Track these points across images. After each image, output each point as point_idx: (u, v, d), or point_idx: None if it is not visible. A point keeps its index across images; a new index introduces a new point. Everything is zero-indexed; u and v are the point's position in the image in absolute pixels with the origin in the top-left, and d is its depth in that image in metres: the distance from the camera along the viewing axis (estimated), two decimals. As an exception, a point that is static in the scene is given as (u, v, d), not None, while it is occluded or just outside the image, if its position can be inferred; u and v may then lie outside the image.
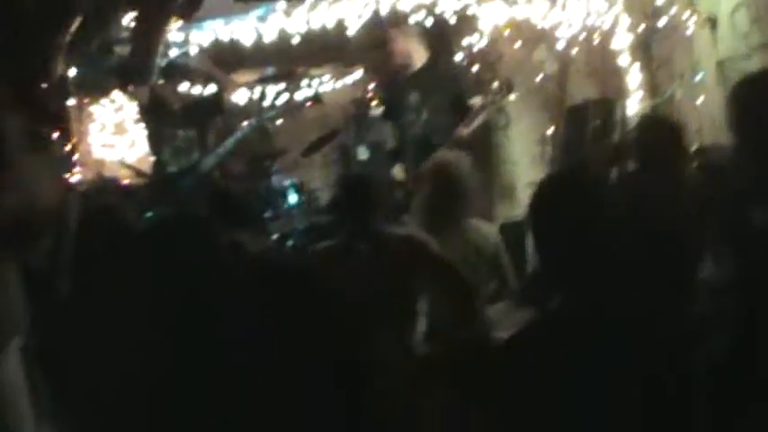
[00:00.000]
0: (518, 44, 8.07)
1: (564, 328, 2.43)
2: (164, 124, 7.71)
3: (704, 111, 6.49)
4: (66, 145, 6.41)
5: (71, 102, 7.55)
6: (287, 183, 9.48)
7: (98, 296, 3.29)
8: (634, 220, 2.93)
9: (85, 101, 8.45)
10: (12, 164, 3.73)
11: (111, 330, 2.93)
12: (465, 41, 8.08)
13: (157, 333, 2.53)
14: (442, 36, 8.17)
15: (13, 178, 3.77)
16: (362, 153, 9.72)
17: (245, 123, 8.65)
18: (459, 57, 8.07)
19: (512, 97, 7.38)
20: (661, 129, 4.78)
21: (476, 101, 7.04)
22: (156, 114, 7.70)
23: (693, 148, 6.28)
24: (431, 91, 7.10)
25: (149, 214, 6.89)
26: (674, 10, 6.65)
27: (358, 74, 10.73)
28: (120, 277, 3.07)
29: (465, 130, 6.95)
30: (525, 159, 8.38)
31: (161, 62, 6.75)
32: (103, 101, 8.75)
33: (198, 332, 2.52)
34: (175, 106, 7.68)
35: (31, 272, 4.46)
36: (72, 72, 6.22)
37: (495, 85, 7.43)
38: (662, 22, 6.79)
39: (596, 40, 7.46)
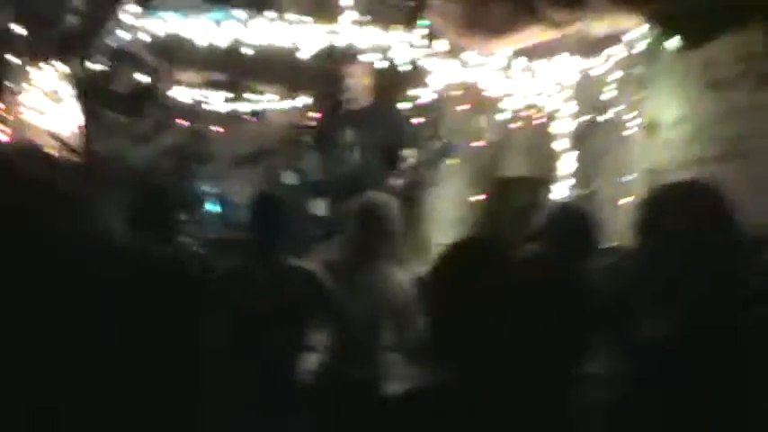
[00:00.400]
0: (463, 107, 8.15)
1: (448, 397, 2.39)
2: (99, 105, 7.60)
3: (625, 213, 6.58)
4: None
5: (12, 60, 7.43)
6: (210, 191, 9.44)
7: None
8: (526, 301, 2.92)
9: (26, 61, 8.31)
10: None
11: None
12: (413, 92, 8.13)
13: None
14: (391, 81, 8.22)
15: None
16: (290, 177, 9.71)
17: (183, 123, 8.61)
18: (403, 105, 8.11)
19: (450, 161, 7.43)
20: (571, 218, 4.84)
21: (409, 152, 7.08)
22: (93, 93, 7.59)
23: (606, 245, 6.38)
24: (369, 132, 7.12)
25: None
26: (619, 108, 6.77)
27: (303, 100, 10.73)
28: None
29: (399, 181, 7.00)
30: (447, 220, 8.42)
31: (108, 42, 6.67)
32: (44, 66, 8.62)
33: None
34: (113, 89, 7.57)
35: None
36: (18, 29, 6.09)
37: (438, 144, 7.51)
38: (604, 117, 6.91)
39: (539, 119, 7.57)
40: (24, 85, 8.87)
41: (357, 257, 4.79)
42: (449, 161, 7.43)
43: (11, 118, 8.54)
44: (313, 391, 4.48)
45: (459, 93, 7.95)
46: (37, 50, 7.51)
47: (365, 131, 7.15)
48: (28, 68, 8.72)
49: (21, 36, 6.17)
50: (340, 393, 4.54)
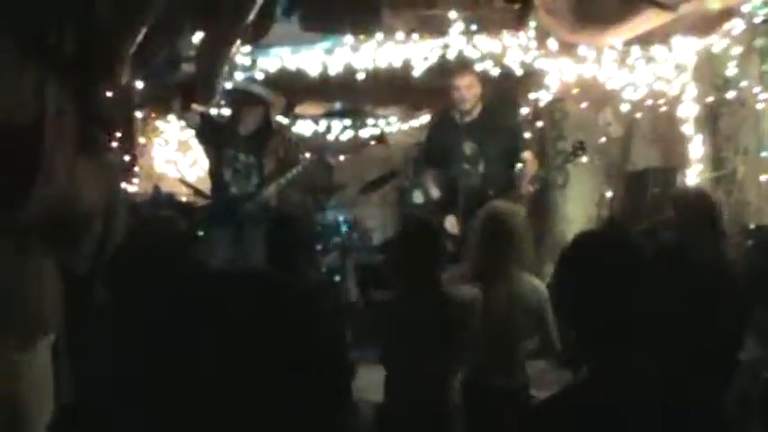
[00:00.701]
0: (584, 104, 8.01)
1: (591, 399, 2.29)
2: (223, 147, 7.77)
3: (766, 188, 6.37)
4: (126, 155, 6.50)
5: (138, 114, 7.68)
6: (341, 218, 9.53)
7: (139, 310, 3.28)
8: (674, 292, 2.82)
9: (152, 115, 8.57)
10: (56, 158, 3.78)
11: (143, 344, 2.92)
12: (531, 95, 8.04)
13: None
14: (506, 87, 8.15)
15: (57, 172, 3.81)
16: (418, 197, 9.72)
17: (307, 155, 8.71)
18: (523, 110, 8.04)
19: (583, 159, 7.32)
20: (699, 204, 4.73)
21: (527, 155, 7.01)
22: (214, 136, 7.77)
23: (751, 226, 6.18)
24: (488, 141, 7.05)
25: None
26: (744, 83, 6.56)
27: (424, 117, 10.74)
28: (165, 295, 3.06)
29: (529, 188, 6.92)
30: (580, 220, 8.28)
31: (226, 85, 6.82)
32: (170, 117, 8.88)
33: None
34: (236, 130, 7.73)
35: (70, 274, 4.50)
36: (139, 85, 6.29)
37: (569, 145, 7.42)
38: (730, 95, 6.69)
39: (663, 106, 7.38)
40: (153, 137, 9.17)
41: (488, 268, 4.75)
42: (577, 160, 7.28)
43: (144, 171, 8.83)
44: (466, 404, 4.45)
45: (578, 90, 7.83)
46: (159, 102, 7.75)
47: (485, 141, 7.07)
48: (155, 121, 9.03)
49: (143, 91, 6.35)
50: (490, 404, 4.52)
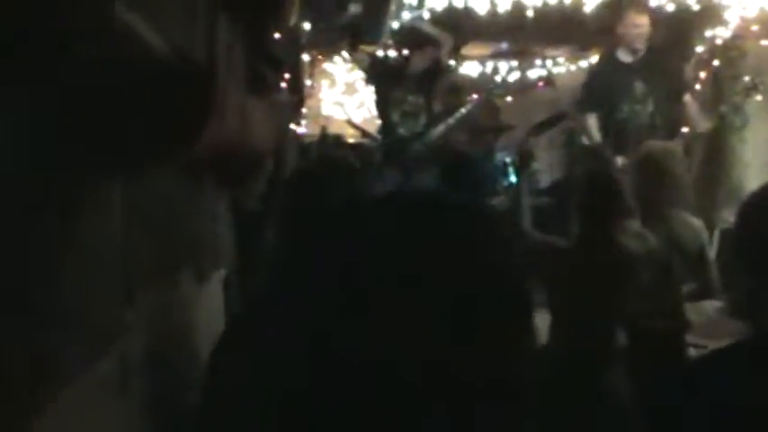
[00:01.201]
0: (765, 42, 7.63)
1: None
2: (392, 88, 7.77)
3: None
4: (294, 96, 6.59)
5: (305, 56, 7.76)
6: (508, 160, 9.43)
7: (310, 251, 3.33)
8: None
9: (319, 57, 8.67)
10: (228, 97, 3.84)
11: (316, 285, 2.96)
12: (707, 32, 7.72)
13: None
14: (682, 23, 7.85)
15: (229, 111, 3.88)
16: (586, 139, 9.53)
17: (474, 97, 8.63)
18: (699, 49, 7.72)
19: (757, 98, 7.02)
20: None
21: (687, 98, 6.77)
22: (383, 77, 7.77)
23: None
24: (655, 80, 6.82)
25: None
26: None
27: (594, 58, 10.48)
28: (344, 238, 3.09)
29: (705, 125, 6.70)
30: (759, 164, 7.94)
31: (393, 24, 6.80)
32: (336, 59, 8.97)
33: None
34: (404, 71, 7.71)
35: (241, 212, 4.61)
36: (306, 26, 6.34)
37: (742, 84, 7.13)
38: None
39: None
40: (321, 79, 9.29)
41: (646, 208, 4.63)
42: (756, 102, 6.98)
43: (311, 112, 8.97)
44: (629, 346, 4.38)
45: (759, 26, 7.46)
46: (326, 44, 7.82)
47: (652, 81, 6.84)
48: (322, 63, 9.13)
49: (310, 32, 6.40)
50: (651, 346, 4.41)
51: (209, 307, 3.72)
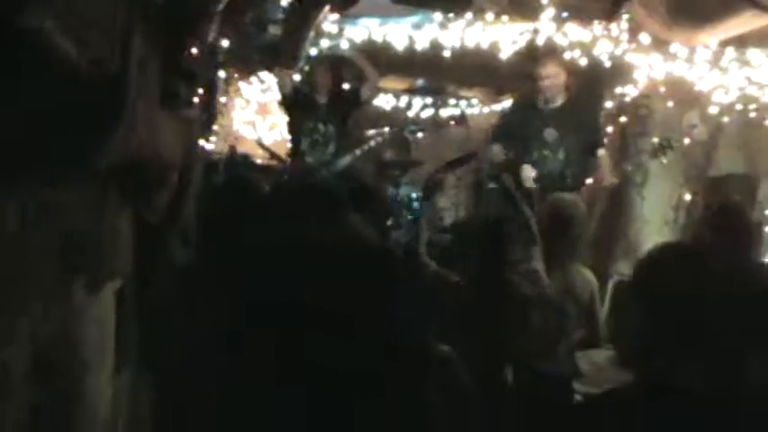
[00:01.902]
0: (671, 103, 7.86)
1: (661, 398, 2.29)
2: (304, 115, 7.78)
3: None
4: (206, 112, 6.53)
5: (220, 74, 7.71)
6: (414, 195, 9.49)
7: (212, 265, 3.29)
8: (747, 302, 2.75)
9: (234, 75, 8.62)
10: (139, 109, 3.80)
11: (215, 300, 2.95)
12: (617, 89, 7.91)
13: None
14: (593, 78, 8.03)
15: (139, 123, 3.84)
16: (492, 182, 9.66)
17: (386, 130, 8.70)
18: (608, 104, 7.90)
19: (663, 160, 7.20)
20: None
21: (602, 153, 6.89)
22: (298, 103, 7.78)
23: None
24: (570, 131, 6.94)
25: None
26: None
27: (507, 102, 10.65)
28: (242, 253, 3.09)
29: (614, 180, 6.83)
30: (656, 221, 8.15)
31: (311, 50, 6.81)
32: (252, 79, 8.93)
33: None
34: (318, 97, 7.73)
35: (143, 225, 4.54)
36: (224, 44, 6.31)
37: (655, 142, 7.31)
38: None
39: (753, 112, 7.21)
40: (235, 98, 9.24)
41: (547, 257, 4.74)
42: (658, 160, 7.15)
43: (222, 130, 8.91)
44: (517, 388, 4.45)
45: (666, 87, 7.68)
46: (243, 63, 7.78)
47: (567, 131, 6.97)
48: (237, 82, 9.08)
49: (228, 50, 6.37)
50: (539, 389, 4.49)
51: (101, 317, 3.65)
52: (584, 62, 7.24)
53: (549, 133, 6.99)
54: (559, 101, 7.04)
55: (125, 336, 3.73)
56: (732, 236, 4.40)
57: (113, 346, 3.56)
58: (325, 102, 7.76)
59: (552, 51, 7.08)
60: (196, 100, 5.43)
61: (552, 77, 6.96)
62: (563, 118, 7.00)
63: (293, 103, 7.81)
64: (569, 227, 4.87)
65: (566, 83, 7.02)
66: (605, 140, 7.27)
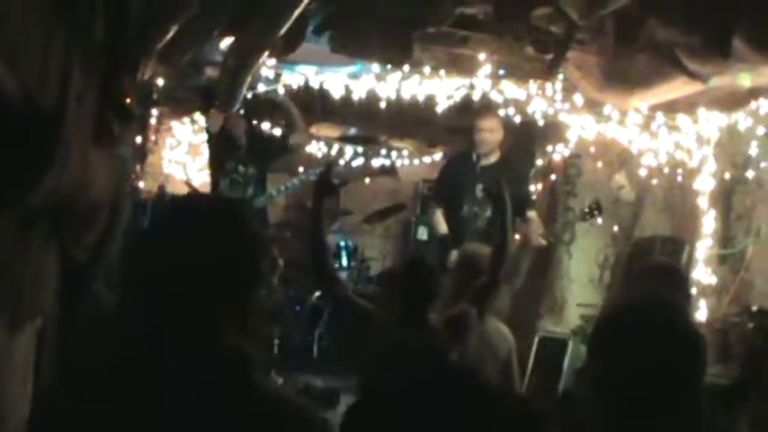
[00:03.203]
0: (600, 163, 7.99)
1: None
2: (227, 153, 7.75)
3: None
4: (137, 149, 6.45)
5: (153, 111, 7.64)
6: (342, 244, 9.48)
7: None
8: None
9: (168, 114, 8.56)
10: (67, 144, 3.72)
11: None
12: (549, 147, 8.02)
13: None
14: (526, 136, 8.14)
15: (65, 158, 3.76)
16: (422, 233, 9.69)
17: (308, 171, 8.68)
18: (539, 161, 7.99)
19: (599, 220, 7.28)
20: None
21: (533, 214, 6.93)
22: (221, 141, 7.73)
23: (754, 308, 6.14)
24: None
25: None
26: (764, 164, 6.53)
27: (438, 155, 10.73)
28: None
29: (541, 240, 6.84)
30: (582, 279, 8.24)
31: (246, 94, 6.77)
32: (185, 119, 8.87)
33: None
34: (242, 141, 7.71)
35: (69, 262, 4.43)
36: (160, 82, 6.25)
37: (579, 202, 7.41)
38: (749, 174, 6.67)
39: (679, 176, 7.35)
40: (166, 137, 9.16)
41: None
42: (586, 221, 7.22)
43: (152, 169, 8.81)
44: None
45: (597, 148, 7.81)
46: (178, 103, 7.72)
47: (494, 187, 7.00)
48: (170, 121, 9.01)
49: (163, 89, 6.31)
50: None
51: (21, 355, 3.55)
52: (518, 120, 7.32)
53: (480, 189, 7.02)
54: (493, 158, 7.09)
55: (44, 373, 3.63)
56: None
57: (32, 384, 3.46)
58: (245, 144, 7.75)
59: (492, 106, 7.15)
60: (128, 138, 5.36)
61: (490, 131, 7.02)
62: (494, 175, 7.03)
63: (218, 142, 7.77)
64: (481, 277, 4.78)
65: (501, 140, 7.09)
66: (534, 199, 7.34)
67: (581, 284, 8.16)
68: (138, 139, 6.43)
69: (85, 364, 2.35)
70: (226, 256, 2.12)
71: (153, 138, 8.30)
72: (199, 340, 2.05)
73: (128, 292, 3.03)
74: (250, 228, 2.21)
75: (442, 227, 7.24)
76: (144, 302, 2.22)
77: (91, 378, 2.10)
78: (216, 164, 7.84)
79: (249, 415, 1.95)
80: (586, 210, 6.94)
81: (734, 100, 6.42)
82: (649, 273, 4.94)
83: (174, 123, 9.02)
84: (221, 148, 7.74)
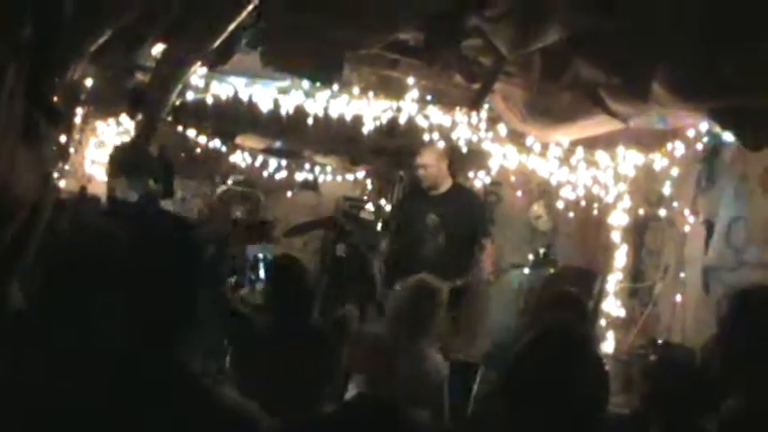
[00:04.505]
0: (519, 192, 8.14)
1: None
2: (142, 165, 7.67)
3: (679, 308, 6.52)
4: (60, 148, 6.36)
5: (78, 110, 7.55)
6: (261, 256, 9.45)
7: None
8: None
9: (93, 113, 8.47)
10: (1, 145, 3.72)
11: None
12: (470, 173, 8.14)
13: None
14: (458, 163, 8.24)
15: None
16: (340, 250, 9.72)
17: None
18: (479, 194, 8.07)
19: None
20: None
21: (488, 244, 7.01)
22: (138, 153, 7.65)
23: (659, 341, 6.31)
24: (452, 218, 7.02)
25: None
26: (675, 205, 6.74)
27: (360, 173, 10.80)
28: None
29: (491, 277, 6.93)
30: (497, 305, 8.35)
31: (175, 101, 6.75)
32: (110, 121, 8.78)
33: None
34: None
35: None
36: (88, 82, 6.21)
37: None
38: (662, 212, 6.88)
39: (595, 210, 7.54)
40: (90, 137, 9.06)
41: (398, 337, 4.72)
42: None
43: (74, 168, 8.71)
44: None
45: (517, 177, 7.96)
46: (105, 105, 7.65)
47: (449, 217, 7.02)
48: (95, 122, 8.92)
49: (90, 90, 6.26)
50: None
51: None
52: (448, 146, 7.38)
53: (431, 218, 7.05)
54: (444, 187, 7.14)
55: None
56: None
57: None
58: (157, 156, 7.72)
59: (431, 143, 7.21)
60: (53, 136, 5.32)
61: (424, 167, 7.07)
62: (445, 204, 7.08)
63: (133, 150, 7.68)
64: (420, 307, 4.86)
65: (449, 170, 7.14)
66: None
67: (495, 311, 8.28)
68: (63, 138, 6.35)
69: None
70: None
71: (77, 137, 8.21)
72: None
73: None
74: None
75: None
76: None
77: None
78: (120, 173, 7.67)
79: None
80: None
81: (651, 140, 6.63)
82: (556, 301, 5.10)
83: (99, 123, 8.92)
84: (131, 162, 7.61)
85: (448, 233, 6.97)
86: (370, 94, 6.80)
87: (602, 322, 7.16)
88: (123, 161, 7.67)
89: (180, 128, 8.02)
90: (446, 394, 5.05)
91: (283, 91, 6.89)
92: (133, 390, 2.08)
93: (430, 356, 4.91)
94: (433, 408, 4.84)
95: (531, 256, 8.12)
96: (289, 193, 11.12)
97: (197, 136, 8.45)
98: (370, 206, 10.11)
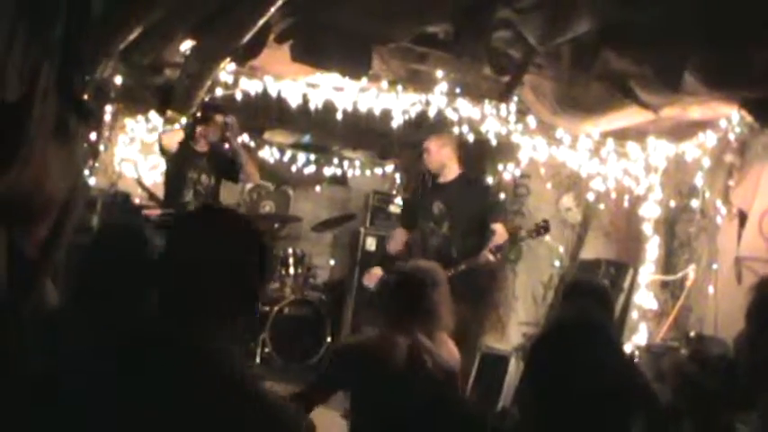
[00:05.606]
0: (549, 185, 8.11)
1: None
2: (191, 166, 7.73)
3: (712, 300, 6.47)
4: (90, 145, 6.40)
5: (108, 107, 7.59)
6: (290, 251, 9.48)
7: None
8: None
9: (122, 110, 8.52)
10: (31, 140, 3.73)
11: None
12: (500, 166, 8.12)
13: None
14: (480, 154, 8.23)
15: (28, 154, 3.77)
16: (371, 244, 9.75)
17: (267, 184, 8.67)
18: (489, 180, 8.07)
19: (547, 238, 7.40)
20: None
21: (498, 226, 6.95)
22: (187, 154, 7.72)
23: (691, 334, 6.27)
24: (458, 205, 7.05)
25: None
26: (708, 195, 6.69)
27: (389, 167, 10.80)
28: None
29: (490, 257, 6.88)
30: (526, 297, 8.33)
31: (205, 98, 6.77)
32: (139, 117, 8.83)
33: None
34: (197, 147, 7.72)
35: (18, 257, 4.42)
36: (118, 80, 6.24)
37: (526, 222, 7.52)
38: (693, 203, 6.83)
39: (625, 202, 7.50)
40: (119, 134, 9.11)
41: (394, 327, 4.67)
42: (533, 239, 7.30)
43: (104, 165, 8.77)
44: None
45: (546, 170, 7.93)
46: (134, 102, 7.69)
47: (455, 205, 7.07)
48: (125, 119, 8.97)
49: (120, 86, 6.29)
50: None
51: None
52: (472, 138, 7.41)
53: (436, 206, 7.10)
54: (451, 175, 7.16)
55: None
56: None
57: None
58: (205, 154, 7.75)
59: (438, 127, 7.25)
60: (84, 134, 5.36)
61: (428, 152, 7.11)
62: (451, 192, 7.10)
63: (181, 152, 7.72)
64: (420, 294, 4.77)
65: (457, 158, 7.16)
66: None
67: (525, 303, 8.26)
68: (93, 136, 6.39)
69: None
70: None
71: (106, 134, 8.26)
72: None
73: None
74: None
75: (392, 244, 7.34)
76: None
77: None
78: (177, 174, 7.75)
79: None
80: (533, 228, 7.03)
81: (682, 131, 6.58)
82: (576, 292, 5.09)
83: (128, 121, 8.97)
84: (184, 159, 7.70)
85: (454, 221, 7.02)
86: (399, 87, 6.78)
87: (634, 315, 7.12)
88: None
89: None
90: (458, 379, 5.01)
91: (312, 85, 6.87)
92: (175, 384, 2.09)
93: (442, 341, 4.88)
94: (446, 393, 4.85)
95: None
96: (317, 188, 11.14)
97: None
98: (398, 200, 10.15)
